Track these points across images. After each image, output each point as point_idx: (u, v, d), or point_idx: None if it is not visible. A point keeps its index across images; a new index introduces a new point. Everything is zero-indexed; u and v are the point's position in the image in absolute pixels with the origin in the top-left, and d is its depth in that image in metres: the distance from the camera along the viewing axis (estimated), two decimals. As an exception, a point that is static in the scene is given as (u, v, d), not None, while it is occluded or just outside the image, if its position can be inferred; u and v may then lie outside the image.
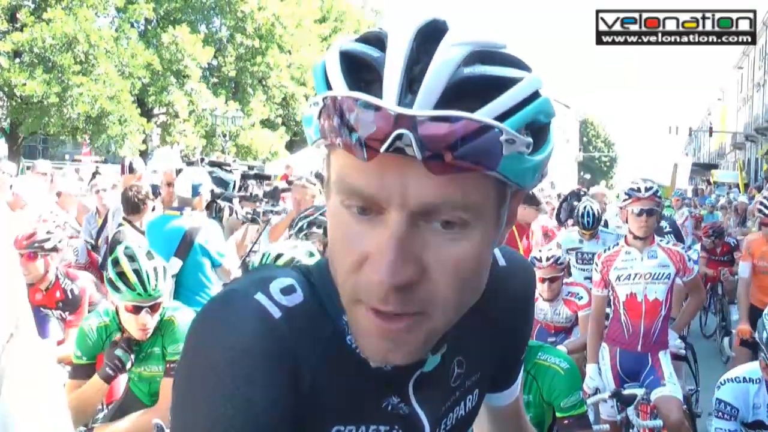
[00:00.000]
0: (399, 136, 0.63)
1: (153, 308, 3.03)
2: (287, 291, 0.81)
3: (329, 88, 0.70)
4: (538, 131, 0.72)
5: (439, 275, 0.71)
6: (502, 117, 0.66)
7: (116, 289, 3.01)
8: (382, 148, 0.64)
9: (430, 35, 0.69)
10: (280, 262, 2.90)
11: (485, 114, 0.65)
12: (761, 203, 5.53)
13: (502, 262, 1.05)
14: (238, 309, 0.77)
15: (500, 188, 0.72)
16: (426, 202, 0.68)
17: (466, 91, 0.66)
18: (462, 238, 0.71)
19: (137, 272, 2.98)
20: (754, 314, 5.37)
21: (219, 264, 4.71)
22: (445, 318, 0.75)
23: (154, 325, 3.08)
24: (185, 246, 4.56)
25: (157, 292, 3.01)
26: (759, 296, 5.59)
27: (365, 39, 0.73)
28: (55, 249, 4.23)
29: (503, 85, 0.68)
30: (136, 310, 3.00)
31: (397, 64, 0.67)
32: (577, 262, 6.37)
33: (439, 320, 0.74)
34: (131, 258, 3.03)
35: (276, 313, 0.77)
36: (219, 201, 5.68)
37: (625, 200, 4.30)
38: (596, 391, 4.30)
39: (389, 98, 0.65)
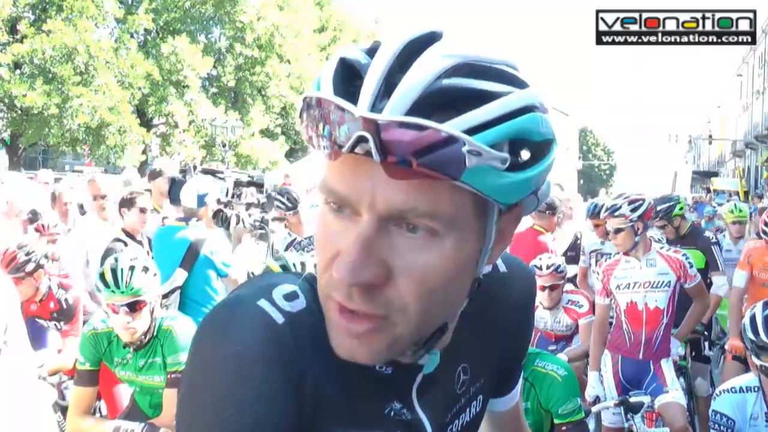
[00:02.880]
0: (361, 138, 0.65)
1: (132, 307, 3.00)
2: (290, 297, 0.82)
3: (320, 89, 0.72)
4: (532, 150, 0.72)
5: (404, 280, 0.72)
6: (476, 129, 0.66)
7: (98, 289, 3.04)
8: (345, 149, 0.66)
9: (421, 45, 0.70)
10: (308, 270, 2.91)
11: (455, 125, 0.65)
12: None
13: (503, 268, 1.06)
14: (242, 315, 0.78)
15: (479, 203, 0.73)
16: (393, 207, 0.69)
17: (441, 102, 0.67)
18: (432, 247, 0.72)
19: (113, 270, 3.00)
20: None
21: (225, 274, 4.69)
22: (409, 325, 0.75)
23: (142, 327, 3.06)
24: (191, 257, 4.54)
25: (131, 289, 2.99)
26: None
27: (367, 48, 0.74)
28: (39, 267, 4.15)
29: (483, 98, 0.68)
30: (116, 309, 3.00)
31: (376, 70, 0.68)
32: (596, 264, 6.34)
33: (403, 326, 0.74)
34: (115, 259, 3.07)
35: (279, 318, 0.79)
36: (225, 210, 5.68)
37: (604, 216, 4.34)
38: (596, 398, 4.29)
39: (363, 102, 0.66)
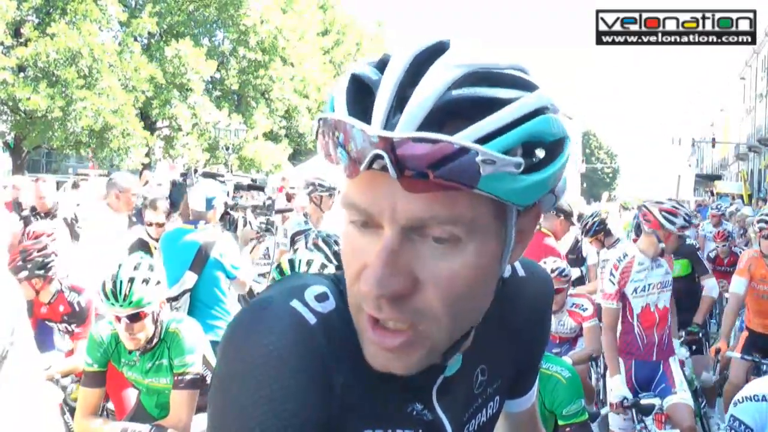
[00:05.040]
0: (378, 156, 0.67)
1: (133, 318, 3.00)
2: (321, 298, 0.84)
3: (334, 108, 0.74)
4: (546, 150, 0.74)
5: (431, 289, 0.73)
6: (488, 137, 0.67)
7: (101, 299, 3.03)
8: (362, 167, 0.68)
9: (429, 57, 0.71)
10: (312, 269, 2.96)
11: (466, 136, 0.66)
12: (764, 215, 5.22)
13: (521, 272, 1.08)
14: (275, 315, 0.79)
15: (497, 206, 0.74)
16: (414, 218, 0.70)
17: (454, 112, 0.68)
18: (455, 253, 0.73)
19: (114, 281, 2.98)
20: (755, 339, 5.35)
21: (234, 277, 4.71)
22: (441, 333, 0.76)
23: (145, 335, 3.07)
24: (200, 260, 4.55)
25: (131, 301, 2.97)
26: (760, 320, 5.40)
27: (376, 62, 0.76)
28: (44, 269, 4.12)
29: (494, 105, 0.70)
30: (119, 319, 3.00)
31: (386, 86, 0.70)
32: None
33: (435, 335, 0.76)
34: (118, 268, 3.04)
35: (311, 319, 0.80)
36: (232, 212, 5.72)
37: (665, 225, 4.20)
38: (623, 399, 4.12)
39: (376, 120, 0.68)
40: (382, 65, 0.74)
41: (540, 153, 0.73)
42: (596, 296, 5.78)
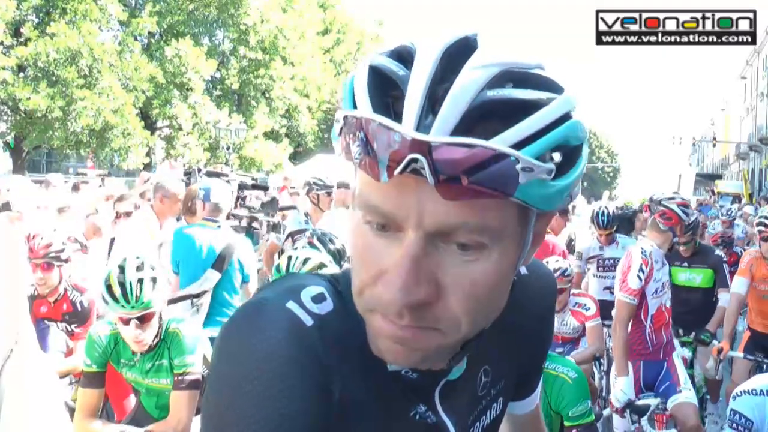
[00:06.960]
0: (414, 160, 0.63)
1: (142, 319, 2.99)
2: (318, 299, 0.81)
3: (355, 104, 0.70)
4: (568, 154, 0.71)
5: (454, 296, 0.71)
6: (524, 142, 0.65)
7: (105, 301, 3.00)
8: (397, 171, 0.64)
9: (459, 54, 0.68)
10: (308, 266, 2.94)
11: (504, 140, 0.64)
12: (762, 218, 5.17)
13: (524, 271, 1.05)
14: (271, 317, 0.77)
15: (522, 212, 0.72)
16: (442, 224, 0.67)
17: (489, 114, 0.65)
18: (479, 260, 0.71)
19: (122, 284, 2.96)
20: (758, 339, 5.35)
21: (248, 280, 4.71)
22: (458, 335, 0.74)
23: (151, 336, 3.05)
24: (224, 259, 4.53)
25: (142, 303, 2.95)
26: (762, 320, 5.38)
27: (396, 53, 0.72)
28: (67, 260, 4.24)
29: (528, 108, 0.67)
30: (126, 321, 2.98)
31: (418, 86, 0.66)
32: (597, 269, 6.35)
33: (452, 337, 0.74)
34: (121, 269, 3.01)
35: (308, 321, 0.78)
36: (236, 212, 5.72)
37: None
38: (628, 402, 4.09)
39: (408, 121, 0.64)
40: (401, 57, 0.71)
41: (564, 158, 0.70)
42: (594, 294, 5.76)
